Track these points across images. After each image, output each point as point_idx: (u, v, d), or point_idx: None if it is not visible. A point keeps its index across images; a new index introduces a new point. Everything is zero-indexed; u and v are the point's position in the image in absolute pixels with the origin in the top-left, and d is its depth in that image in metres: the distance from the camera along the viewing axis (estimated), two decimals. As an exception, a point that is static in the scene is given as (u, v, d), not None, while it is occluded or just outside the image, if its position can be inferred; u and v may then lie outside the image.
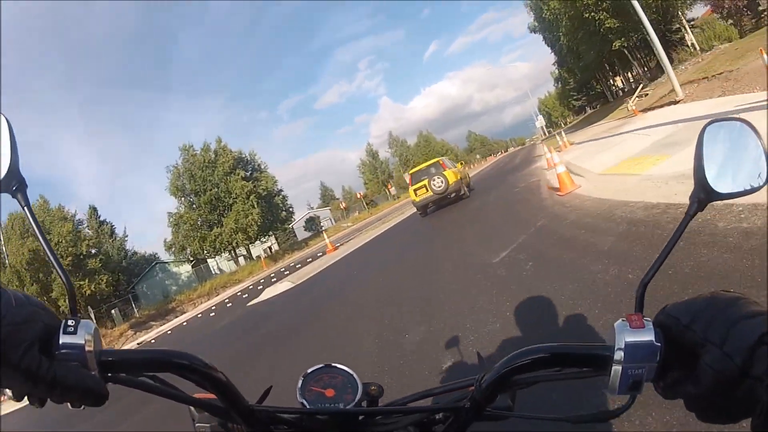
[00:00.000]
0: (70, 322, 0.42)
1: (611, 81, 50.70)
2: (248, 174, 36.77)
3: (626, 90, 43.92)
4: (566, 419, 0.52)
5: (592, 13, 25.65)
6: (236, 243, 34.51)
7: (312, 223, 56.48)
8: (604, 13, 25.44)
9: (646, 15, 25.42)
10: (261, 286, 16.00)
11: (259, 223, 34.14)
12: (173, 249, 34.76)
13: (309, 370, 0.62)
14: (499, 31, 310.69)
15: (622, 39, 27.02)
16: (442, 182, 13.81)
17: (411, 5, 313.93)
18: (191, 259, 36.82)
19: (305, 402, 0.58)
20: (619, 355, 0.42)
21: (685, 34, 26.79)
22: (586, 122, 40.39)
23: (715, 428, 0.47)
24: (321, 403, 0.57)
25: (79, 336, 0.42)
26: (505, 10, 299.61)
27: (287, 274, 15.81)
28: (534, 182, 11.38)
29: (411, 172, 15.66)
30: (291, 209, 40.33)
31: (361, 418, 0.57)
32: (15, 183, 0.47)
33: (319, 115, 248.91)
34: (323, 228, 51.51)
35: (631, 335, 0.42)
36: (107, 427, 5.26)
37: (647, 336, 0.42)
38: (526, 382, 0.50)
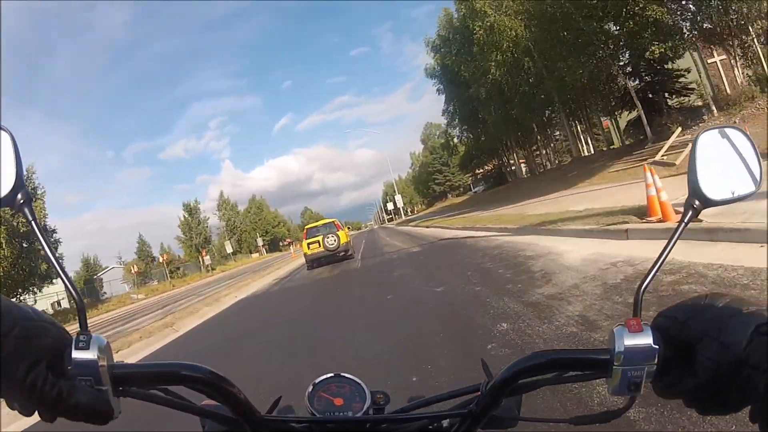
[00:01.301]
0: (82, 338, 0.42)
1: (507, 160, 40.44)
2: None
3: (550, 166, 33.91)
4: (569, 421, 0.53)
5: None
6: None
7: (92, 288, 42.38)
8: None
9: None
10: None
11: (2, 275, 23.55)
12: None
13: (317, 380, 0.63)
14: (353, 115, 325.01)
15: (667, 44, 16.71)
16: (335, 240, 15.12)
17: (275, 74, 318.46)
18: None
19: (314, 411, 0.59)
20: (618, 358, 0.44)
21: (735, 68, 17.06)
22: (483, 204, 28.49)
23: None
24: (330, 412, 0.59)
25: (91, 351, 0.42)
26: (362, 96, 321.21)
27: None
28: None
29: (307, 227, 17.24)
30: (61, 261, 28.82)
31: (368, 425, 0.58)
32: (21, 197, 0.47)
33: (163, 165, 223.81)
34: (105, 295, 39.67)
35: (630, 339, 0.44)
36: None
37: (645, 339, 0.44)
38: (531, 385, 0.52)
